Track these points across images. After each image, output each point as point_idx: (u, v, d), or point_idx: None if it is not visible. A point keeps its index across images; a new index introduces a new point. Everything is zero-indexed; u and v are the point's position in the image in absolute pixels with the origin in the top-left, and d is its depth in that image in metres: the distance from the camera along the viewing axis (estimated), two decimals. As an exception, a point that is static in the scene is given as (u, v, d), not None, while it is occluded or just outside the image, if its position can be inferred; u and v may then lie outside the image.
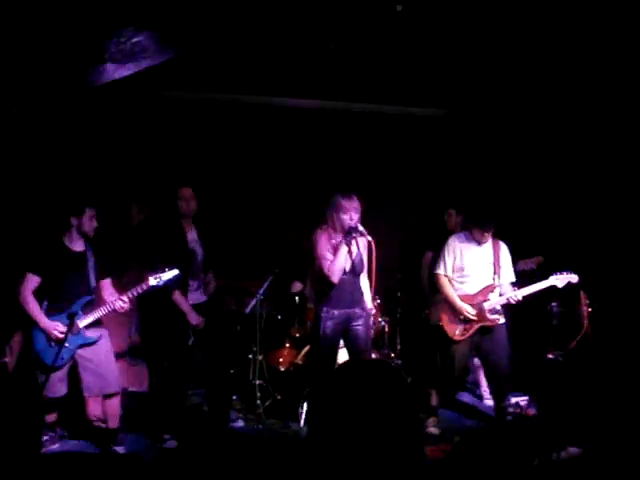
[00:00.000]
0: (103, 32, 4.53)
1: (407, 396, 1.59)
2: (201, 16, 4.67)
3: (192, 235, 5.83)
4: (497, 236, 6.06)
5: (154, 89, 6.93)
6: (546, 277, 5.83)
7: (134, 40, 4.45)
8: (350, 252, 5.36)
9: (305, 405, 6.10)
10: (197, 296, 5.86)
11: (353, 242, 5.36)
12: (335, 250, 5.30)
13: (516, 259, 6.27)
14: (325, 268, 5.30)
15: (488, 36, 5.99)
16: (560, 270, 5.82)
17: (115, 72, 5.02)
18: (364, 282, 5.58)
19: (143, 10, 4.35)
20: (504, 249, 6.07)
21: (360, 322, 5.45)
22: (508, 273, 6.02)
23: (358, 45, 6.45)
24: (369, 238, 5.22)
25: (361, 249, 5.44)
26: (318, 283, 5.51)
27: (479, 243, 5.97)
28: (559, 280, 5.79)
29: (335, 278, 5.29)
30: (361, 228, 5.24)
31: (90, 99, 6.11)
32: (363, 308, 5.49)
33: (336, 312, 5.38)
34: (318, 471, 1.57)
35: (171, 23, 4.59)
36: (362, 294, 5.51)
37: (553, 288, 5.82)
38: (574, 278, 5.81)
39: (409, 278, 7.08)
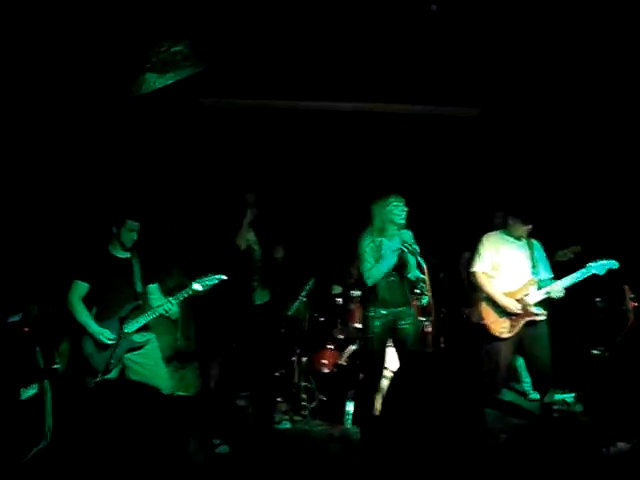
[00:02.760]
0: (144, 42, 4.61)
1: (472, 386, 1.61)
2: (237, 23, 4.73)
3: (250, 236, 5.91)
4: (531, 234, 6.12)
5: (192, 95, 7.01)
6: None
7: (175, 49, 4.53)
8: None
9: (351, 406, 6.14)
10: (259, 295, 5.95)
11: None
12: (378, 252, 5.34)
13: (554, 251, 6.28)
14: (364, 269, 5.35)
15: (522, 34, 5.97)
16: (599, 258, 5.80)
17: (156, 81, 5.10)
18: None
19: (182, 19, 4.43)
20: (538, 246, 6.13)
21: (409, 321, 5.48)
22: (546, 269, 6.04)
23: (391, 46, 6.47)
24: (421, 260, 5.21)
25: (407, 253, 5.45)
26: (363, 283, 5.56)
27: (516, 239, 6.00)
28: (598, 268, 5.75)
29: (370, 282, 5.34)
30: (412, 249, 5.25)
31: (129, 107, 6.21)
32: (411, 306, 5.51)
33: (384, 312, 5.42)
34: (381, 464, 1.59)
35: (209, 31, 4.66)
36: (410, 292, 5.51)
37: (594, 276, 5.78)
38: (614, 264, 5.76)
39: (451, 278, 7.06)
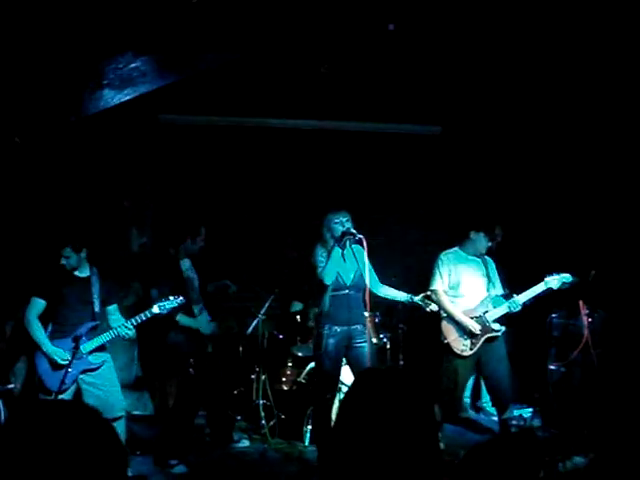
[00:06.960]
0: (101, 58, 4.57)
1: (426, 402, 1.62)
2: (199, 40, 4.72)
3: (185, 264, 5.87)
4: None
5: (150, 113, 6.96)
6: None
7: (132, 65, 4.50)
8: (344, 258, 5.38)
9: (309, 424, 6.11)
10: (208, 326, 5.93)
11: (351, 254, 5.41)
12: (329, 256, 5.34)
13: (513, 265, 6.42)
14: (319, 271, 5.33)
15: (480, 51, 6.05)
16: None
17: (113, 98, 5.06)
18: (385, 289, 5.63)
19: (141, 35, 4.40)
20: (492, 263, 6.18)
21: (363, 339, 5.46)
22: (499, 285, 6.10)
23: (352, 65, 6.52)
24: (360, 236, 5.24)
25: (362, 264, 5.45)
26: (319, 300, 5.54)
27: (473, 256, 6.06)
28: (554, 281, 5.83)
29: (328, 279, 5.29)
30: (352, 230, 5.28)
31: (87, 123, 6.16)
32: (365, 325, 5.50)
33: (338, 329, 5.39)
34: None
35: (169, 48, 4.64)
36: (364, 311, 5.49)
37: (550, 292, 5.86)
38: (567, 277, 5.84)
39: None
